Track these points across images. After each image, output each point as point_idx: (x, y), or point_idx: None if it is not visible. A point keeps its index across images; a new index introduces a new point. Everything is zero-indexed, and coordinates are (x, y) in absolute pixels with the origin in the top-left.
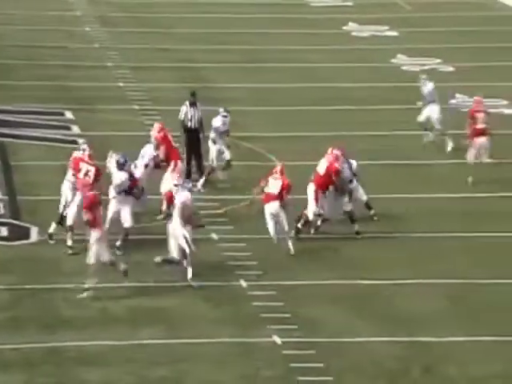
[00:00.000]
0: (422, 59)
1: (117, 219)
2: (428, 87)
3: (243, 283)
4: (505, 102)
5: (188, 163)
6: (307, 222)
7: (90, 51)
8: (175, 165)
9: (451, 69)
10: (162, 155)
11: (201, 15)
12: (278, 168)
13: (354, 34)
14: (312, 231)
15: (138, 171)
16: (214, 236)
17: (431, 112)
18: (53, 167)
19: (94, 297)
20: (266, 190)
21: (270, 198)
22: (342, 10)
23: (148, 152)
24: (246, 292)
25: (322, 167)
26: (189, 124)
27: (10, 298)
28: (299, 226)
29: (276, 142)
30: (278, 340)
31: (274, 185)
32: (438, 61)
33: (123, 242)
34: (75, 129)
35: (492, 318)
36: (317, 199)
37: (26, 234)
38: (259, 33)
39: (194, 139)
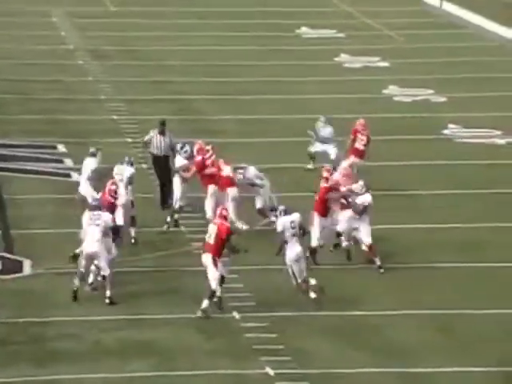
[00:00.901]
0: (414, 90)
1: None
2: (326, 131)
3: (236, 315)
4: (498, 133)
5: (162, 189)
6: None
7: (83, 84)
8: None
9: (444, 99)
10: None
11: (192, 47)
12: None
13: (345, 65)
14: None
15: (121, 196)
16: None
17: (328, 151)
18: (46, 200)
19: (87, 329)
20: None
21: None
22: (334, 41)
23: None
24: (239, 324)
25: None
26: (155, 151)
27: (3, 332)
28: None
29: (269, 173)
30: (270, 371)
31: None
32: (431, 91)
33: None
34: (68, 162)
35: (481, 348)
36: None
37: (18, 267)
38: (251, 65)
39: (162, 166)
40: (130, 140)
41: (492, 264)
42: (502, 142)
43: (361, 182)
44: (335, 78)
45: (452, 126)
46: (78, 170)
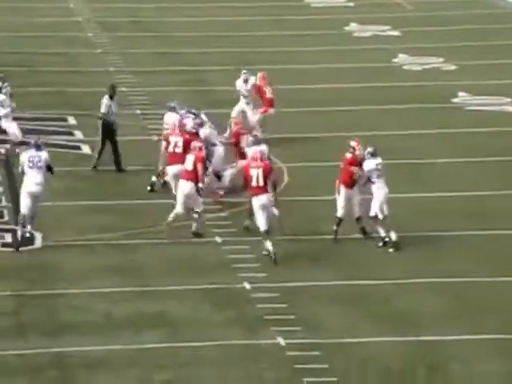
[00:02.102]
0: (424, 58)
1: None
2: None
3: (247, 285)
4: (508, 100)
5: (115, 153)
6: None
7: (92, 56)
8: (264, 111)
9: (453, 67)
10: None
11: (201, 19)
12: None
13: (355, 34)
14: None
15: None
16: (218, 239)
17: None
18: (56, 173)
19: (97, 301)
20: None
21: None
22: (343, 10)
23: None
24: (250, 294)
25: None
26: (113, 118)
27: (14, 304)
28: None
29: (277, 143)
30: (282, 342)
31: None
32: (440, 60)
33: None
34: (78, 134)
35: (491, 316)
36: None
37: (30, 240)
38: (260, 35)
39: (110, 129)
40: (139, 112)
41: (501, 231)
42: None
43: (369, 149)
44: (345, 47)
45: (462, 93)
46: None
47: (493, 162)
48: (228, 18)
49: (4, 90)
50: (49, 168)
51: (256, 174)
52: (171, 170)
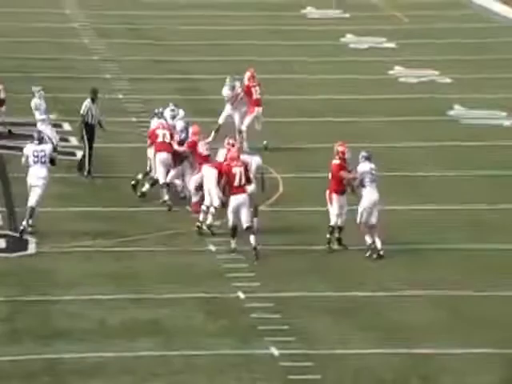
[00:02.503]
0: (419, 71)
1: None
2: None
3: (241, 295)
4: (503, 114)
5: (90, 154)
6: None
7: (88, 63)
8: (252, 112)
9: (449, 80)
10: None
11: (197, 27)
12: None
13: (351, 45)
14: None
15: None
16: (212, 247)
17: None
18: (51, 179)
19: (91, 308)
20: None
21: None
22: (340, 21)
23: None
24: (244, 304)
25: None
26: (90, 120)
27: (8, 310)
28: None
29: (271, 153)
30: (275, 352)
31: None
32: (436, 72)
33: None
34: (73, 140)
35: (486, 330)
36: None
37: (23, 245)
38: (256, 44)
39: (93, 133)
40: (134, 119)
41: (496, 245)
42: (507, 123)
43: (364, 153)
44: (341, 58)
45: (457, 107)
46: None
47: (487, 176)
48: (225, 27)
49: (37, 95)
50: (51, 160)
51: (239, 173)
52: (160, 155)
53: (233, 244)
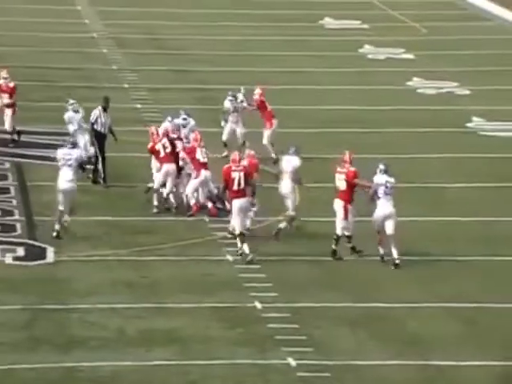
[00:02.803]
0: (438, 82)
1: None
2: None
3: (258, 305)
4: None
5: (103, 162)
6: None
7: (107, 73)
8: (271, 125)
9: (467, 92)
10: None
11: (216, 37)
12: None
13: (369, 56)
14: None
15: None
16: (229, 257)
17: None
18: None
19: (109, 317)
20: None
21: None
22: (358, 32)
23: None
24: (261, 314)
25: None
26: (100, 128)
27: (26, 318)
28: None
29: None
30: (292, 362)
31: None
32: (455, 84)
33: None
34: (91, 150)
35: (504, 342)
36: (346, 214)
37: (42, 254)
38: (275, 55)
39: (103, 143)
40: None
41: None
42: None
43: (381, 166)
44: (359, 69)
45: (476, 119)
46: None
47: (506, 188)
48: (243, 38)
49: (70, 107)
50: (80, 166)
51: (238, 177)
52: (166, 167)
53: (246, 249)
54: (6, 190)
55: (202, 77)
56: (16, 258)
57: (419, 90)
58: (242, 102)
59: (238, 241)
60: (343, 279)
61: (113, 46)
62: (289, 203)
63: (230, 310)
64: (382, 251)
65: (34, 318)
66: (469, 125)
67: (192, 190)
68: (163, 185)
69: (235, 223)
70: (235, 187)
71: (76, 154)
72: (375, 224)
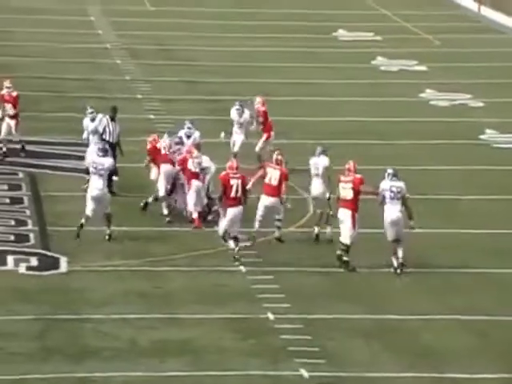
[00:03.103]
0: (451, 94)
1: None
2: (245, 115)
3: (271, 316)
4: None
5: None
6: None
7: (120, 83)
8: (268, 136)
9: (481, 104)
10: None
11: (228, 48)
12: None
13: (382, 68)
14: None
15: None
16: (242, 268)
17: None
18: (81, 198)
19: (122, 327)
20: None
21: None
22: (371, 44)
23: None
24: (274, 325)
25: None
26: (108, 138)
27: (39, 328)
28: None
29: (300, 175)
30: (305, 374)
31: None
32: (468, 96)
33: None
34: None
35: None
36: (354, 223)
37: (55, 264)
38: (288, 66)
39: (113, 153)
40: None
41: None
42: None
43: (389, 170)
44: (372, 80)
45: (489, 131)
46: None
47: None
48: (255, 49)
49: (90, 116)
50: (112, 173)
51: (236, 185)
52: (164, 167)
53: (232, 245)
54: (19, 200)
55: (213, 88)
56: (29, 268)
57: (432, 102)
58: (251, 116)
59: (230, 242)
60: (356, 290)
61: (126, 57)
62: (321, 204)
63: (242, 320)
64: (395, 263)
65: (46, 328)
66: (482, 137)
67: (192, 203)
68: (170, 192)
69: (228, 228)
70: (233, 194)
71: (108, 163)
72: (387, 232)
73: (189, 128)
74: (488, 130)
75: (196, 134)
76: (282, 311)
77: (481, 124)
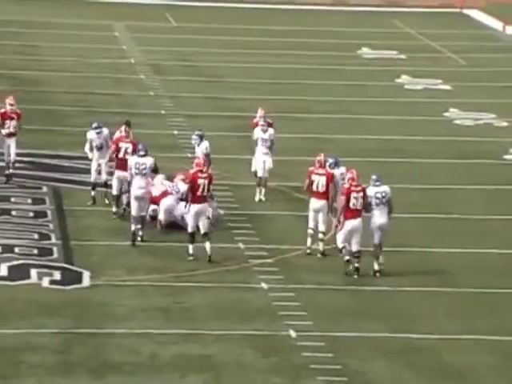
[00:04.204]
0: (475, 113)
1: None
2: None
3: (292, 333)
4: None
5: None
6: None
7: (144, 99)
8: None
9: (505, 124)
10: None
11: (253, 65)
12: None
13: (406, 86)
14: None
15: None
16: (264, 285)
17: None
18: (105, 212)
19: (143, 342)
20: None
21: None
22: (395, 62)
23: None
24: (295, 342)
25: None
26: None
27: (62, 342)
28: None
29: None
30: None
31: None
32: (492, 116)
33: None
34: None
35: None
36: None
37: (78, 278)
38: (312, 84)
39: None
40: (190, 155)
41: None
42: None
43: (373, 176)
44: (396, 99)
45: None
46: None
47: None
48: (279, 66)
49: (98, 130)
50: (154, 170)
51: (203, 184)
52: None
53: (190, 250)
54: (43, 214)
55: (238, 104)
56: (52, 282)
57: (456, 121)
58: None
59: (188, 242)
60: (379, 309)
61: (150, 72)
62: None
63: (264, 337)
64: (376, 267)
65: (68, 343)
66: (506, 157)
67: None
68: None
69: (189, 222)
70: (199, 193)
71: (149, 162)
72: (373, 235)
73: (198, 134)
74: None
75: (205, 144)
76: (303, 328)
77: (505, 144)
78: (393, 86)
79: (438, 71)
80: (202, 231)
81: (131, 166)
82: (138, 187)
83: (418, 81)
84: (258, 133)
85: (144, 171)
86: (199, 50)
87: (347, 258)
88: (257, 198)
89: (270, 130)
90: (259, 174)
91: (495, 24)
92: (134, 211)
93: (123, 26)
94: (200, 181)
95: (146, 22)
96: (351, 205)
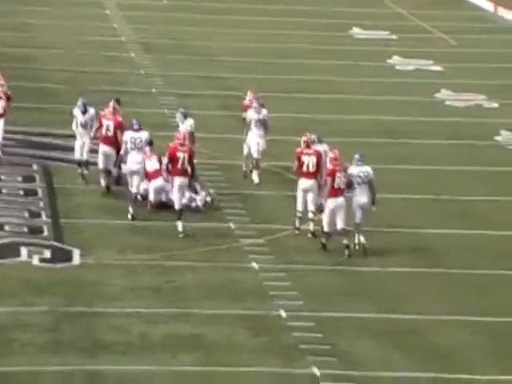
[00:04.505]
0: (466, 94)
1: None
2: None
3: (283, 313)
4: None
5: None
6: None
7: (135, 77)
8: None
9: (496, 105)
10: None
11: (244, 44)
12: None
13: (397, 67)
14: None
15: None
16: (255, 265)
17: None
18: (96, 190)
19: (134, 321)
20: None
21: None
22: (387, 43)
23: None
24: (286, 322)
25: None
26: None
27: (52, 321)
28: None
29: None
30: (316, 371)
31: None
32: (483, 97)
33: None
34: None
35: None
36: None
37: (68, 256)
38: (302, 63)
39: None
40: None
41: None
42: None
43: (356, 156)
44: (387, 79)
45: (504, 132)
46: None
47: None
48: (271, 45)
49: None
50: (150, 143)
51: (182, 157)
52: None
53: (180, 227)
54: (33, 192)
55: (229, 83)
56: (42, 260)
57: (447, 102)
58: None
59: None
60: (369, 289)
61: (140, 51)
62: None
63: (254, 317)
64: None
65: (59, 321)
66: (497, 138)
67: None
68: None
69: (174, 199)
70: (179, 166)
71: (145, 136)
72: (355, 214)
73: (182, 113)
74: (503, 132)
75: (190, 122)
76: (294, 308)
77: (495, 125)
78: (384, 67)
79: (429, 52)
80: (177, 206)
81: (126, 140)
82: (133, 162)
83: (410, 61)
84: (251, 114)
85: (140, 145)
86: (191, 29)
87: (324, 240)
88: (256, 181)
89: (264, 111)
90: (254, 156)
91: (486, 5)
92: (132, 188)
93: (114, 4)
94: (179, 154)
95: (137, 0)
96: (335, 184)
